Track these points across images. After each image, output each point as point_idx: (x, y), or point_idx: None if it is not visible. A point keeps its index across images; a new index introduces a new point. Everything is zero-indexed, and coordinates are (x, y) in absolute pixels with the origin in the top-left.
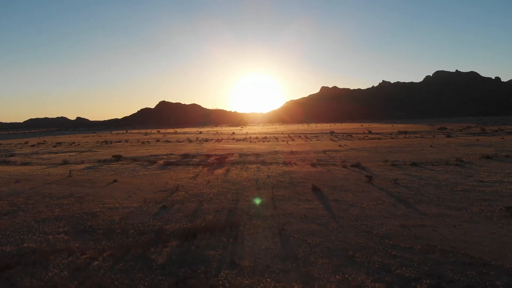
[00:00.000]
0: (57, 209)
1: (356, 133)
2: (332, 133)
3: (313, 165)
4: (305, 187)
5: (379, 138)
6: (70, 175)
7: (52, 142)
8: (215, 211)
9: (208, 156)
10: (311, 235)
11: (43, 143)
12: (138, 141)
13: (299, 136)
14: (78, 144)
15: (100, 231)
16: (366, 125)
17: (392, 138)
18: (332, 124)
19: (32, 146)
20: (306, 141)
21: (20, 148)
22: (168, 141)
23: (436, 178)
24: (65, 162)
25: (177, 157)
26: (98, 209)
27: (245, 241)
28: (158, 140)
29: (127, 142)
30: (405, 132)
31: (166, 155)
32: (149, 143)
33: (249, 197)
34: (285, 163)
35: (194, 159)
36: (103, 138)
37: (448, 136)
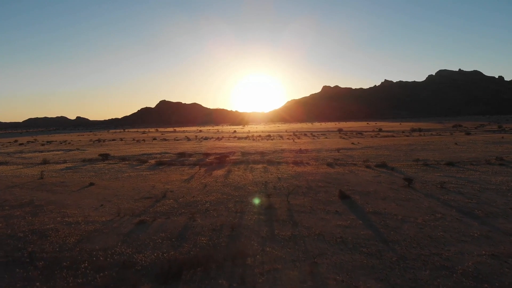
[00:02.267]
0: (0, 224)
1: (365, 131)
2: (340, 131)
3: (329, 165)
4: (329, 193)
5: (393, 136)
6: (41, 177)
7: (42, 141)
8: (211, 229)
9: (207, 155)
10: (362, 275)
11: (33, 142)
12: (133, 140)
13: (305, 134)
14: (69, 143)
15: (40, 263)
16: (372, 123)
17: (407, 136)
18: (337, 123)
19: (21, 144)
20: (313, 139)
21: (6, 147)
22: (165, 140)
23: (489, 181)
24: (45, 162)
25: (172, 156)
26: (53, 225)
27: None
28: (154, 139)
29: (122, 140)
30: (419, 130)
31: (160, 154)
32: (144, 142)
33: (258, 208)
34: (296, 163)
35: (190, 159)
36: (98, 136)
37: (468, 134)
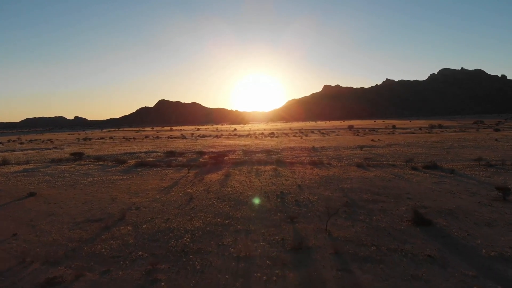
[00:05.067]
0: None
1: (378, 128)
2: (351, 128)
3: (360, 166)
4: (390, 213)
5: (412, 133)
6: None
7: (25, 140)
8: None
9: (201, 153)
10: None
11: (15, 140)
12: (123, 138)
13: (312, 132)
14: (52, 142)
15: None
16: (380, 121)
17: (428, 133)
18: (342, 121)
19: (0, 144)
20: (323, 136)
21: None
22: (158, 138)
23: None
24: (3, 163)
25: (159, 156)
26: None
27: None
28: (146, 137)
29: (110, 138)
30: (440, 127)
31: (146, 152)
32: (134, 140)
33: (279, 246)
34: (315, 163)
35: (180, 158)
36: (88, 135)
37: (496, 130)
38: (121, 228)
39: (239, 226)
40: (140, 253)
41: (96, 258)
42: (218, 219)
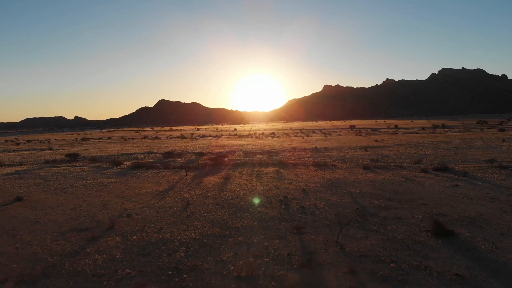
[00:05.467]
0: None
1: (381, 128)
2: (352, 128)
3: (367, 168)
4: (407, 222)
5: (416, 133)
6: None
7: (22, 140)
8: None
9: (200, 154)
10: None
11: (12, 141)
12: (122, 138)
13: (313, 132)
14: (50, 142)
15: None
16: (381, 121)
17: (432, 133)
18: (342, 121)
19: None
20: (325, 136)
21: None
22: (157, 138)
23: None
24: None
25: (157, 157)
26: None
27: None
28: (145, 137)
29: (109, 139)
30: (444, 126)
31: (144, 153)
32: (132, 140)
33: (285, 263)
34: (318, 165)
35: (178, 160)
36: (86, 135)
37: (501, 130)
38: (109, 239)
39: (239, 238)
40: (127, 270)
41: (77, 276)
42: (217, 229)
